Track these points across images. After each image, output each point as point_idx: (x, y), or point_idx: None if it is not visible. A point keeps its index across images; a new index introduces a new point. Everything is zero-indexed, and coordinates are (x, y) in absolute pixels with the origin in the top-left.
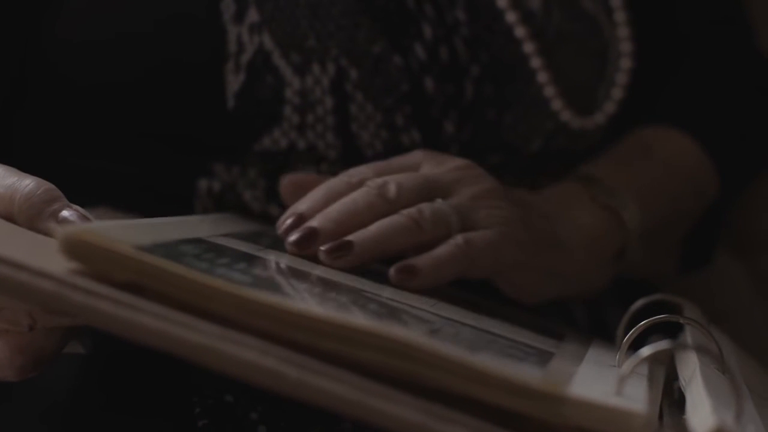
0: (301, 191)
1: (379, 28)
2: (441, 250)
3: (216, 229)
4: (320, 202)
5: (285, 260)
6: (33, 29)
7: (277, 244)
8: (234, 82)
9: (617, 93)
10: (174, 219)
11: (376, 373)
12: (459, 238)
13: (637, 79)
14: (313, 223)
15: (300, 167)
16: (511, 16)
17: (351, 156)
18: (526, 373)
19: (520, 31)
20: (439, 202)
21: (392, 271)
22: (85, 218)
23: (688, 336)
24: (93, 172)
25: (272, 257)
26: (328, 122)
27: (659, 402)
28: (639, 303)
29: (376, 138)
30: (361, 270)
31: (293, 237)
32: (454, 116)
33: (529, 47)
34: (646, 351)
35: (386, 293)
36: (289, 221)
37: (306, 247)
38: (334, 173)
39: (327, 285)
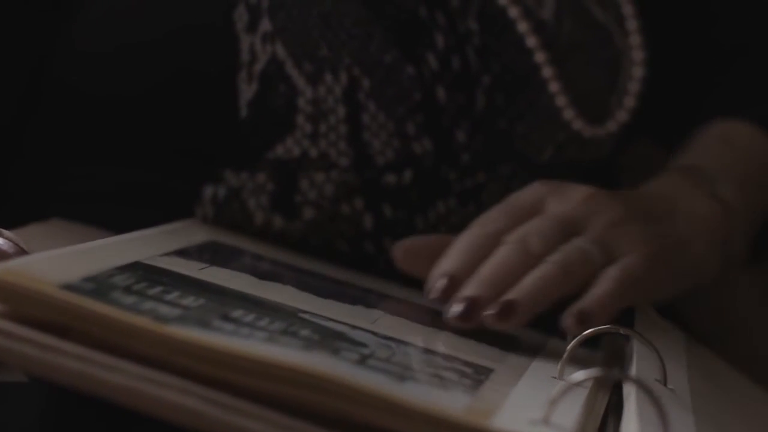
0: (419, 257)
1: (391, 37)
2: (603, 289)
3: (163, 246)
4: (466, 260)
5: (225, 280)
6: (48, 40)
7: (226, 256)
8: (247, 91)
9: (629, 101)
10: (119, 239)
11: (300, 409)
12: (613, 271)
13: (650, 86)
14: (471, 291)
15: (312, 174)
16: (522, 26)
17: (362, 164)
18: (452, 401)
19: (531, 41)
20: (579, 241)
21: (568, 321)
22: (17, 247)
23: (634, 345)
24: (97, 177)
25: (212, 277)
26: (340, 131)
27: (598, 421)
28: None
29: (387, 146)
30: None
31: (457, 311)
32: (465, 125)
33: (540, 57)
34: (578, 376)
35: (326, 310)
36: (441, 283)
37: (471, 320)
38: (345, 180)
39: (262, 309)
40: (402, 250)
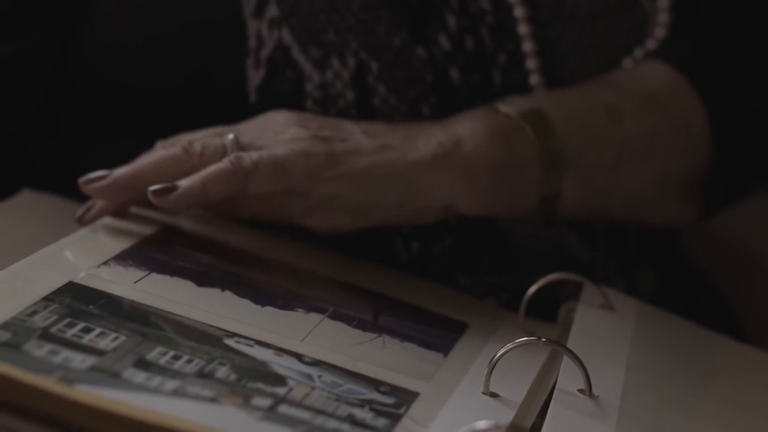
0: None
1: (399, 20)
2: (208, 168)
3: (107, 248)
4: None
5: (161, 293)
6: (72, 33)
7: (172, 253)
8: (255, 76)
9: None
10: (63, 244)
11: None
12: (231, 156)
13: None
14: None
15: None
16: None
17: None
18: None
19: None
20: (224, 137)
21: (149, 193)
22: None
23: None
24: (120, 155)
25: (147, 291)
26: (351, 115)
27: None
28: (531, 290)
29: None
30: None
31: (83, 179)
32: (481, 105)
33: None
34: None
35: (257, 327)
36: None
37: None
38: None
39: (185, 339)
40: None
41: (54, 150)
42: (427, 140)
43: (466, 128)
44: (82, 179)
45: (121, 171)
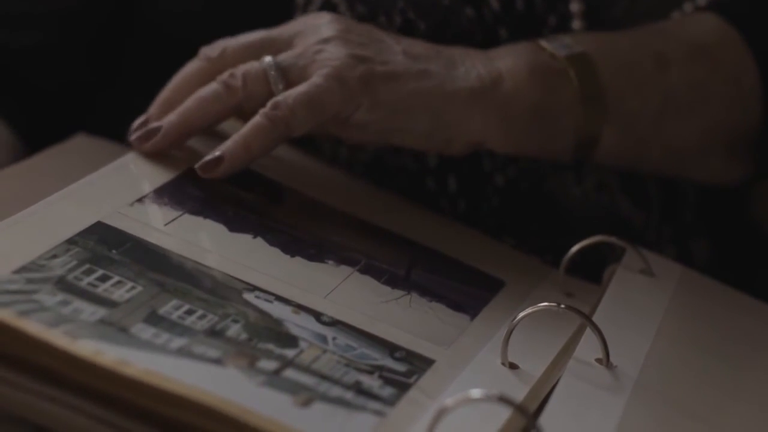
0: None
1: None
2: (246, 126)
3: (146, 183)
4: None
5: (190, 235)
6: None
7: (211, 193)
8: None
9: None
10: (100, 176)
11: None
12: (267, 105)
13: None
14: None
15: None
16: None
17: None
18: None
19: None
20: (266, 61)
21: (197, 170)
22: None
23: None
24: None
25: (176, 233)
26: None
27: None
28: (573, 249)
29: None
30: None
31: (135, 136)
32: None
33: None
34: (475, 393)
35: (281, 280)
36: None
37: (145, 143)
38: None
39: (202, 292)
40: None
41: (111, 101)
42: (468, 72)
43: (507, 64)
44: (133, 138)
45: (169, 122)
